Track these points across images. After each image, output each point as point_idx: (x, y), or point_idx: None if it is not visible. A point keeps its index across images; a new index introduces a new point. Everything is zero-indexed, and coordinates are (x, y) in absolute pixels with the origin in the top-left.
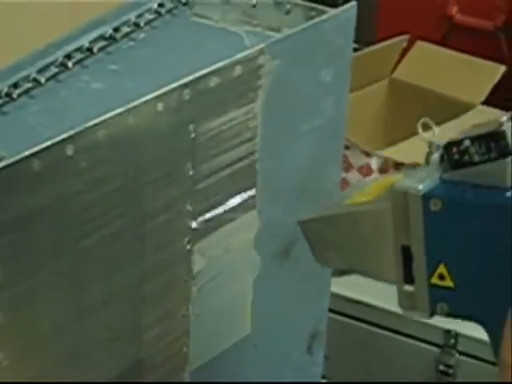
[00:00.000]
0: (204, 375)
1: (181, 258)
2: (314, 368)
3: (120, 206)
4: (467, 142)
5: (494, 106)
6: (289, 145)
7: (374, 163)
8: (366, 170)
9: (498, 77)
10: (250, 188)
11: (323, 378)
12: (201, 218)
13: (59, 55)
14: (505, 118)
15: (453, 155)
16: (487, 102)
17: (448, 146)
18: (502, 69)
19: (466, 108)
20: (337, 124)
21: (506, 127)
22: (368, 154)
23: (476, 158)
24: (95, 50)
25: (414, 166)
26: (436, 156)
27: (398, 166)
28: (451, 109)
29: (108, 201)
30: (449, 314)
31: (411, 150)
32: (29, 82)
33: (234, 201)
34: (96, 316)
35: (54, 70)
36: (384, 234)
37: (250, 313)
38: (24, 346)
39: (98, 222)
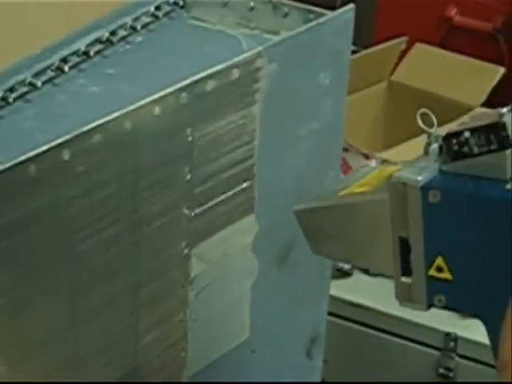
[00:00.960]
0: (202, 380)
1: (178, 263)
2: (313, 372)
3: (117, 210)
4: (467, 134)
5: (494, 107)
6: (287, 148)
7: (373, 165)
8: None
9: (497, 78)
10: (248, 192)
11: (322, 382)
12: (198, 223)
13: (55, 59)
14: (505, 110)
15: (452, 146)
16: (487, 103)
17: (447, 138)
18: (502, 70)
19: (466, 110)
20: (335, 127)
21: (507, 119)
22: (367, 157)
23: (476, 150)
24: (92, 53)
25: None
26: (435, 147)
27: None
28: (450, 111)
29: (105, 205)
30: (446, 307)
31: (410, 152)
32: (25, 85)
33: (232, 205)
34: (93, 321)
35: (50, 73)
36: (382, 226)
37: (249, 317)
38: (21, 351)
39: (94, 227)
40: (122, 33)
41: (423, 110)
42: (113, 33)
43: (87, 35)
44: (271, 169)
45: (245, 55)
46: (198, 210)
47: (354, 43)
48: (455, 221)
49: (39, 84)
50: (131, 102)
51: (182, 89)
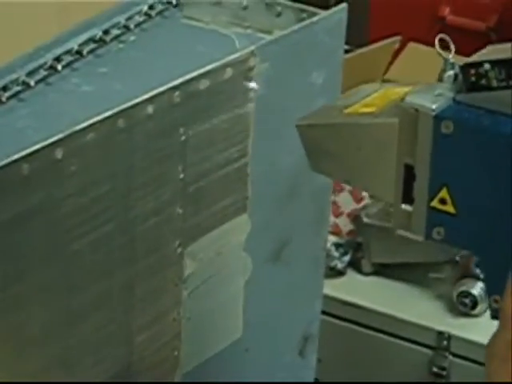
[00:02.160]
0: (195, 379)
1: (171, 262)
2: (307, 371)
3: (110, 209)
4: (487, 66)
5: None
6: (280, 147)
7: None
8: None
9: None
10: (241, 190)
11: (316, 380)
12: (191, 221)
13: (49, 58)
14: None
15: (470, 77)
16: None
17: (465, 67)
18: None
19: None
20: None
21: None
22: None
23: (494, 83)
24: (85, 52)
25: None
26: (450, 74)
27: None
28: None
29: (98, 204)
30: (444, 240)
31: None
32: (18, 85)
33: (225, 203)
34: (86, 319)
35: (43, 72)
36: (387, 150)
37: (242, 316)
38: (14, 349)
39: (88, 226)
40: (115, 32)
41: (442, 35)
42: (106, 32)
43: (80, 34)
44: (264, 168)
45: (238, 54)
46: (191, 209)
47: (347, 42)
48: (466, 154)
49: (32, 83)
50: (124, 101)
51: (175, 88)
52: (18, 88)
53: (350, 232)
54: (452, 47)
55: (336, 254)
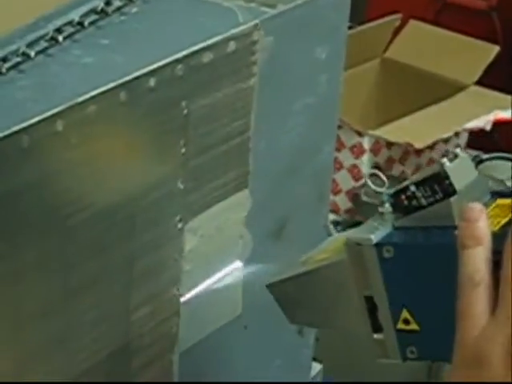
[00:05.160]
0: (193, 356)
1: (171, 237)
2: (305, 350)
3: (110, 183)
4: (412, 188)
5: (487, 86)
6: (282, 123)
7: (366, 143)
8: (357, 150)
9: (491, 57)
10: (242, 166)
11: (314, 360)
12: (193, 197)
13: (49, 29)
14: (445, 160)
15: (402, 202)
16: (480, 82)
17: (396, 194)
18: (496, 49)
19: (459, 88)
20: (331, 102)
21: (448, 168)
22: (360, 134)
23: (423, 202)
24: (86, 24)
25: (406, 145)
26: (388, 205)
27: (390, 145)
28: (444, 89)
29: (97, 178)
30: (419, 358)
31: (403, 129)
32: (18, 56)
33: (227, 179)
34: (84, 296)
35: (44, 44)
36: (346, 287)
37: (241, 293)
38: (10, 326)
39: (87, 200)
40: (117, 3)
41: (373, 171)
42: (108, 3)
43: (82, 5)
44: (266, 143)
45: (241, 28)
46: (192, 184)
47: (348, 20)
48: (412, 272)
49: (33, 54)
50: (126, 74)
51: (177, 60)
52: (18, 59)
53: (349, 210)
54: (385, 180)
55: (334, 232)
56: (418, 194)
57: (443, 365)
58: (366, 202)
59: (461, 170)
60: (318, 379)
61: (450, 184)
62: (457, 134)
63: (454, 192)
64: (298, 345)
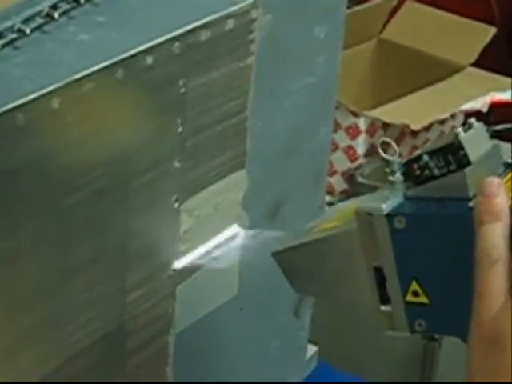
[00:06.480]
0: (188, 337)
1: (168, 217)
2: (301, 332)
3: (106, 162)
4: (426, 157)
5: (484, 67)
6: (280, 102)
7: (362, 123)
8: (353, 131)
9: (488, 38)
10: (239, 145)
11: (310, 342)
12: (189, 176)
13: (45, 5)
14: (460, 130)
15: (414, 172)
16: (477, 63)
17: (408, 163)
18: (493, 30)
19: (456, 69)
20: (329, 82)
21: (463, 138)
22: (356, 114)
23: (436, 172)
24: (82, 0)
25: (402, 126)
26: (399, 175)
27: (386, 126)
28: (440, 70)
29: (94, 157)
30: (427, 331)
31: (399, 110)
32: (13, 32)
33: (223, 158)
34: (80, 276)
35: (39, 20)
36: (355, 257)
37: (237, 274)
38: (6, 306)
39: (84, 179)
40: None
41: (384, 138)
42: None
43: None
44: (263, 123)
45: (240, 5)
46: (189, 164)
47: None
48: (423, 244)
49: (28, 31)
50: (123, 51)
51: (175, 38)
52: (14, 35)
53: (344, 191)
54: (395, 148)
55: None
56: (431, 164)
57: (438, 347)
58: (361, 183)
59: (475, 140)
60: (314, 361)
61: (465, 155)
62: (453, 116)
63: (468, 163)
64: (294, 327)
